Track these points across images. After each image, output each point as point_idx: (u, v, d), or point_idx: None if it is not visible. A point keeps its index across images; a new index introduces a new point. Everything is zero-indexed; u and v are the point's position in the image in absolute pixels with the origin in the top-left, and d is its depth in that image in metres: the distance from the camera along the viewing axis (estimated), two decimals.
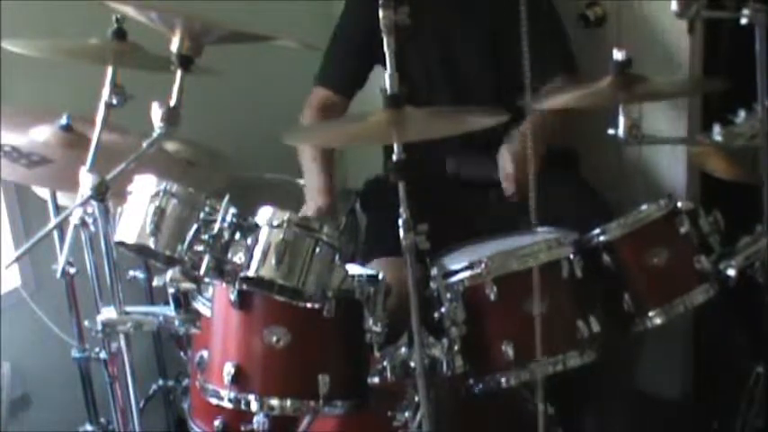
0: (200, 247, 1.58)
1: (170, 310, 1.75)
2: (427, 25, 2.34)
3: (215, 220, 1.58)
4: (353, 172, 3.11)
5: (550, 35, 2.38)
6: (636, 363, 2.39)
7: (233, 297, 1.66)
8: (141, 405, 2.07)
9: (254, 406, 1.67)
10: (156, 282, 1.75)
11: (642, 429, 2.47)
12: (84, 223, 1.87)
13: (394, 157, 1.57)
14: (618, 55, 1.80)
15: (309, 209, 2.24)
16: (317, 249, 1.59)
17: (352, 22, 2.46)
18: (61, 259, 1.95)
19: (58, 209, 2.06)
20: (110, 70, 1.70)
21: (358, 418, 1.77)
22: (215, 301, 1.75)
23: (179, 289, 1.71)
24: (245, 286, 1.62)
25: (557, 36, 2.43)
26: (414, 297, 1.60)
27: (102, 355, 1.99)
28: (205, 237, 1.57)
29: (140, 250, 1.67)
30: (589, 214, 2.03)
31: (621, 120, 1.82)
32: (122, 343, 1.79)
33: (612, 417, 2.32)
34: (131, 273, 2.31)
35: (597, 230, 1.86)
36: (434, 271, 1.79)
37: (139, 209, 1.61)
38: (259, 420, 1.77)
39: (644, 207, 1.87)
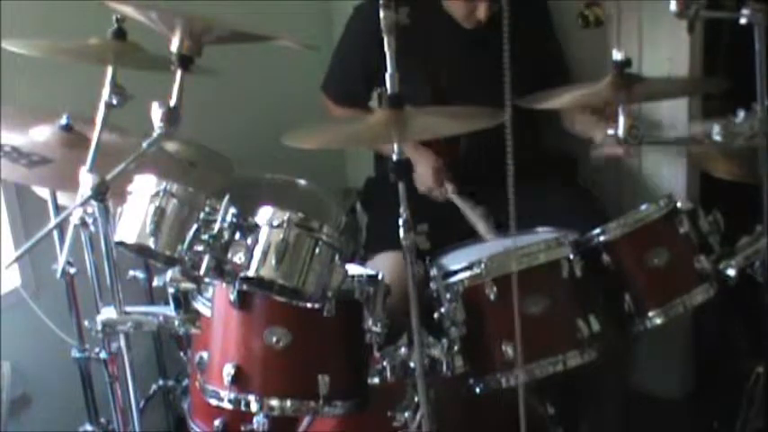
0: (200, 247, 1.57)
1: (170, 310, 1.74)
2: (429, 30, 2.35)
3: (215, 220, 1.58)
4: (353, 172, 3.11)
5: (549, 50, 2.46)
6: (634, 362, 2.40)
7: (233, 297, 1.66)
8: (141, 405, 2.07)
9: (254, 406, 1.67)
10: (156, 282, 1.75)
11: (642, 429, 2.47)
12: (84, 223, 1.87)
13: (394, 157, 1.57)
14: (618, 55, 1.80)
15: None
16: (317, 249, 1.59)
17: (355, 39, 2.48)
18: (61, 259, 1.95)
19: (58, 209, 2.06)
20: (110, 70, 1.70)
21: (358, 418, 1.77)
22: (215, 301, 1.75)
23: (179, 289, 1.71)
24: (245, 286, 1.62)
25: (555, 51, 2.50)
26: (414, 297, 1.60)
27: (102, 355, 1.99)
28: (205, 237, 1.57)
29: (140, 250, 1.67)
30: (586, 219, 2.03)
31: (621, 120, 1.83)
32: (122, 343, 1.79)
33: (612, 417, 2.32)
34: (131, 273, 2.31)
35: (597, 230, 1.86)
36: (434, 271, 1.79)
37: (139, 209, 1.61)
38: (259, 421, 1.77)
39: (644, 207, 1.87)
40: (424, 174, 2.30)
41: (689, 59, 2.45)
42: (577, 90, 1.96)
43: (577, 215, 2.18)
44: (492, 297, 1.73)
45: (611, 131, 1.87)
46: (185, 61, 1.67)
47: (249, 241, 1.57)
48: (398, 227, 1.58)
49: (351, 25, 2.49)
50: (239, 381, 1.66)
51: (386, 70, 1.56)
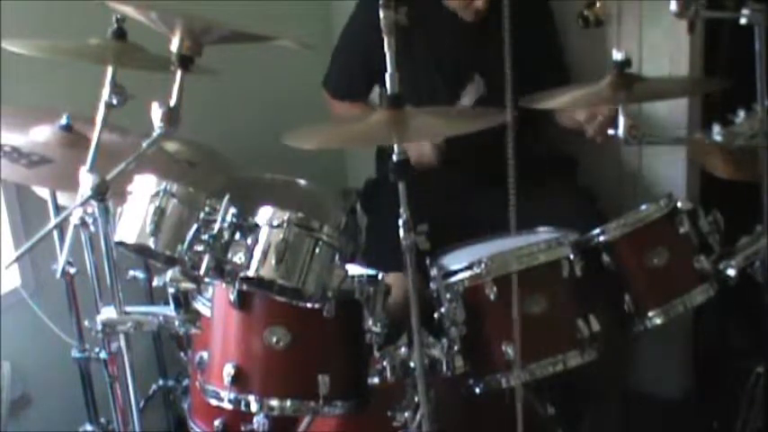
0: (200, 247, 1.58)
1: (170, 310, 1.75)
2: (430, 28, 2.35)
3: (215, 220, 1.58)
4: (353, 172, 3.11)
5: (550, 49, 2.46)
6: (634, 362, 2.39)
7: (233, 297, 1.66)
8: (141, 405, 2.07)
9: (254, 406, 1.67)
10: (156, 282, 1.75)
11: (642, 429, 2.47)
12: (84, 223, 1.87)
13: (394, 157, 1.57)
14: (618, 55, 1.80)
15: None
16: (317, 249, 1.59)
17: (356, 32, 2.47)
18: (61, 259, 1.95)
19: (58, 209, 2.06)
20: (110, 70, 1.70)
21: (358, 418, 1.77)
22: (215, 301, 1.75)
23: (179, 289, 1.71)
24: (245, 286, 1.62)
25: (555, 50, 2.50)
26: (413, 297, 1.60)
27: (102, 355, 1.99)
28: (205, 237, 1.57)
29: (140, 250, 1.67)
30: (586, 219, 2.02)
31: (621, 120, 1.83)
32: (122, 343, 1.79)
33: (612, 417, 2.32)
34: (131, 273, 2.31)
35: (597, 230, 1.86)
36: (434, 271, 1.79)
37: (139, 209, 1.61)
38: (259, 421, 1.77)
39: (644, 207, 1.87)
40: (423, 145, 2.24)
41: (689, 59, 2.45)
42: (577, 90, 1.96)
43: (577, 215, 2.18)
44: (492, 297, 1.73)
45: (611, 131, 1.87)
46: (185, 61, 1.67)
47: (249, 241, 1.57)
48: (398, 242, 1.58)
49: (352, 20, 2.48)
50: (239, 381, 1.66)
51: (386, 69, 1.56)
